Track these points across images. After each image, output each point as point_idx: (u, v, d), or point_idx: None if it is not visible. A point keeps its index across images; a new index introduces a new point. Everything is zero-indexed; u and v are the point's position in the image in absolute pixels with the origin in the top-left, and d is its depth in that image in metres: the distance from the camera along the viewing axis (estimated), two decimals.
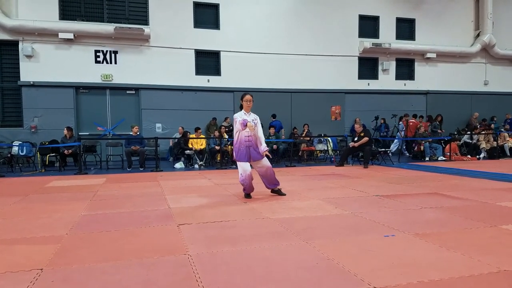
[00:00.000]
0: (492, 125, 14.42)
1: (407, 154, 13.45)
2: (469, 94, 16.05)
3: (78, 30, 11.91)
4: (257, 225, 3.82)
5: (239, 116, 5.22)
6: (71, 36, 11.78)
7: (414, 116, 13.74)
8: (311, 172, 8.83)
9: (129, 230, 3.68)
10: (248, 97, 5.30)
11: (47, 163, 10.15)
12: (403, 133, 13.15)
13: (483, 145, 12.54)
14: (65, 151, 9.87)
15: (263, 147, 5.25)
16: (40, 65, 11.84)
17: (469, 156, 12.29)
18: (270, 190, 5.60)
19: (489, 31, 15.66)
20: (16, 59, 11.81)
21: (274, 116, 13.17)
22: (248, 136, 5.21)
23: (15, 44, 11.74)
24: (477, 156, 12.33)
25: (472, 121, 15.20)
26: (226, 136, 11.14)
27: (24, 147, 10.26)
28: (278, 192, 5.55)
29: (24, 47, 11.61)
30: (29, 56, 11.72)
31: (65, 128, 10.29)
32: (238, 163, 5.27)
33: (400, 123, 13.79)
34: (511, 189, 5.97)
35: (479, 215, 4.12)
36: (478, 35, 15.97)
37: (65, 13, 12.13)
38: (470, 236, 3.36)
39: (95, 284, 2.37)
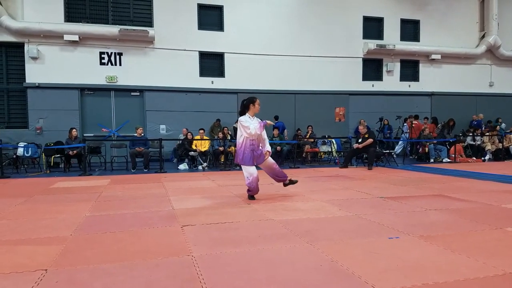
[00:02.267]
0: (498, 126, 14.33)
1: (410, 156, 13.35)
2: (474, 95, 15.93)
3: (83, 32, 11.99)
4: (260, 227, 3.81)
5: (246, 121, 5.17)
6: (76, 38, 11.86)
7: (416, 117, 13.64)
8: (315, 174, 8.81)
9: (133, 231, 3.69)
10: (259, 101, 5.38)
11: (52, 164, 10.21)
12: (407, 135, 13.09)
13: (488, 146, 12.47)
14: (70, 152, 9.92)
15: (267, 147, 5.35)
16: (45, 67, 11.92)
17: (474, 158, 12.21)
18: (283, 185, 5.75)
19: (494, 32, 15.55)
20: (22, 61, 11.90)
21: (276, 117, 13.14)
22: (252, 140, 5.21)
23: (20, 46, 11.83)
24: (482, 158, 12.25)
25: None
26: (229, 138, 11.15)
27: (29, 148, 10.31)
28: (291, 182, 5.68)
29: (29, 49, 11.70)
30: (34, 58, 11.80)
31: (74, 129, 10.34)
32: (244, 167, 5.25)
33: (405, 124, 13.72)
34: None
35: (484, 217, 4.09)
36: (483, 36, 15.87)
37: (70, 15, 12.20)
38: (475, 238, 3.34)
39: (99, 285, 2.38)
